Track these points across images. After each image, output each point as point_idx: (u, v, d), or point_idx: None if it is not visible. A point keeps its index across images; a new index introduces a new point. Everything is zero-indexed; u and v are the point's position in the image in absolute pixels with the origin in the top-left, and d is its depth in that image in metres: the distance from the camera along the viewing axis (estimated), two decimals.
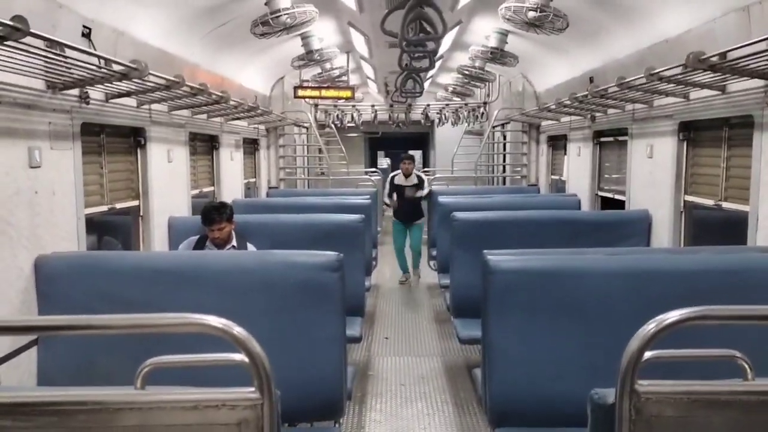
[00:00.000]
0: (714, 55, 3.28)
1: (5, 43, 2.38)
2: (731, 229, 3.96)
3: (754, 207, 3.59)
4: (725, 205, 4.09)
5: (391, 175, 8.14)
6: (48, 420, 1.27)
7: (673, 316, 1.36)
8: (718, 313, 1.39)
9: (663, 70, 3.81)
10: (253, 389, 1.31)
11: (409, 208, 7.93)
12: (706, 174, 4.41)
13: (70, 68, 3.03)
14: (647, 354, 1.36)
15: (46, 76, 3.10)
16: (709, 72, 3.48)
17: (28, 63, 2.74)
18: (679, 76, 3.76)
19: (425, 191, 7.87)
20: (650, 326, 1.36)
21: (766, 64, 3.15)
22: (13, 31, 2.29)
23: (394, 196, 7.94)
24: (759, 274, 2.81)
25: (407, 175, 7.90)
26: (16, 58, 2.62)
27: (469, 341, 4.25)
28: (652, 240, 4.96)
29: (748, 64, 3.20)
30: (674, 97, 4.45)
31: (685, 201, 4.64)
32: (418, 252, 8.28)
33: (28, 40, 2.48)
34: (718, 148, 4.21)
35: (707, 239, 4.45)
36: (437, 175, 11.44)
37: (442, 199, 6.29)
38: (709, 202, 4.30)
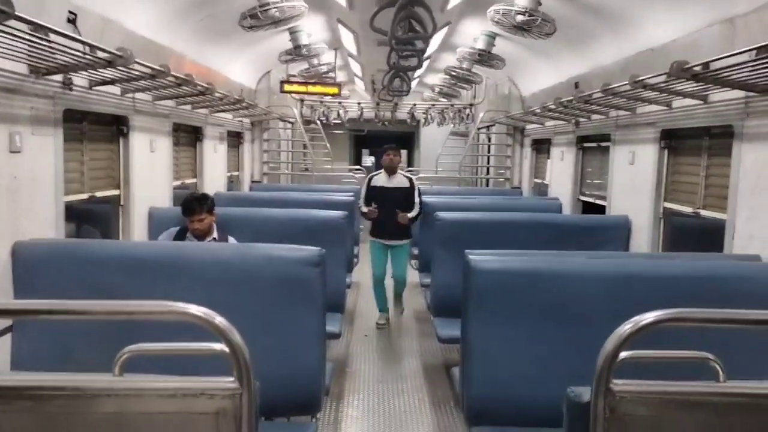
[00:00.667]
0: (697, 65, 3.33)
1: None
2: (708, 236, 4.03)
3: (731, 215, 3.65)
4: (703, 212, 4.16)
5: (370, 175, 6.10)
6: (24, 404, 1.26)
7: (648, 317, 1.39)
8: (691, 316, 1.42)
9: (647, 78, 3.86)
10: (232, 379, 1.31)
11: (391, 223, 5.73)
12: (686, 182, 4.48)
13: (54, 53, 2.99)
14: (623, 354, 1.38)
15: (29, 60, 3.06)
16: (691, 81, 3.54)
17: (12, 46, 2.71)
18: (663, 85, 3.81)
19: (416, 210, 5.76)
20: (626, 327, 1.39)
21: (747, 76, 3.21)
22: None
23: (373, 204, 5.79)
24: (734, 281, 2.87)
25: (391, 173, 5.88)
26: None
27: (448, 340, 4.27)
28: (631, 245, 5.03)
29: (730, 75, 3.26)
30: (657, 105, 4.51)
31: (664, 208, 4.71)
32: (403, 281, 6.24)
33: (12, 23, 2.44)
34: (698, 156, 4.28)
35: (685, 246, 4.51)
36: (421, 175, 11.46)
37: (425, 198, 6.31)
38: (688, 210, 4.37)
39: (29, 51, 2.90)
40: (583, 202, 6.69)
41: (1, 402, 1.29)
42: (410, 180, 5.95)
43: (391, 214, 5.68)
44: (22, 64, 3.08)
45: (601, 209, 5.89)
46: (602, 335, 1.51)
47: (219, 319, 1.29)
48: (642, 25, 4.53)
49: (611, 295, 2.79)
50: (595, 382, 1.38)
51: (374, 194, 5.85)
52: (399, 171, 5.96)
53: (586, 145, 6.63)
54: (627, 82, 4.03)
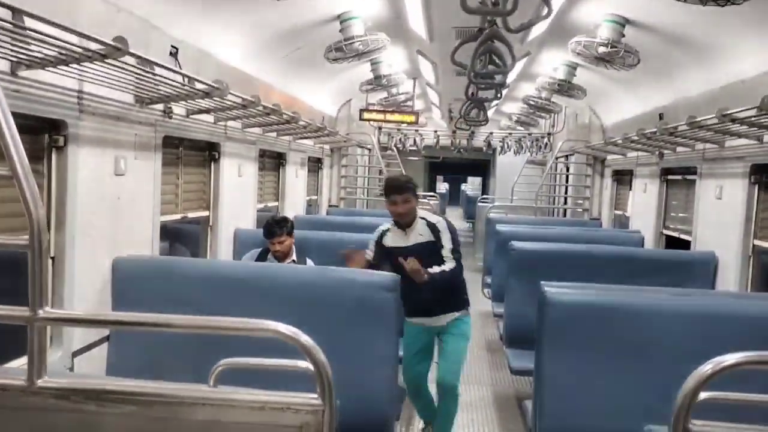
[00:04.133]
0: None
1: (105, 60, 2.59)
2: None
3: None
4: None
5: (379, 230, 3.90)
6: (129, 408, 1.39)
7: (731, 358, 1.37)
8: None
9: (736, 112, 3.74)
10: (315, 395, 1.39)
11: (427, 294, 3.64)
12: None
13: (158, 85, 3.25)
14: (703, 395, 1.36)
15: (136, 90, 3.33)
16: None
17: (121, 78, 2.97)
18: (753, 119, 3.68)
19: (449, 263, 3.64)
20: (707, 366, 1.37)
21: None
22: (114, 50, 2.50)
23: (368, 251, 3.88)
24: None
25: (405, 226, 3.76)
26: (112, 74, 2.84)
27: (520, 372, 4.23)
28: (717, 283, 4.81)
29: None
30: (747, 139, 4.35)
31: (754, 245, 4.50)
32: (453, 390, 3.77)
33: (123, 57, 2.69)
34: None
35: None
36: (497, 203, 11.39)
37: (500, 227, 6.28)
38: None
39: (136, 82, 3.16)
40: (667, 236, 6.45)
41: (106, 404, 1.42)
42: (435, 226, 3.69)
43: (413, 285, 3.49)
44: (129, 94, 3.36)
45: (685, 245, 5.67)
46: (681, 374, 1.48)
47: (305, 338, 1.38)
48: (731, 56, 4.40)
49: (693, 334, 2.71)
50: (673, 421, 1.37)
51: (385, 256, 3.77)
52: (420, 217, 3.74)
53: (670, 177, 6.42)
54: (714, 115, 3.92)
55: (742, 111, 3.68)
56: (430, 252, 3.64)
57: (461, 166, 17.79)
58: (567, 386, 2.73)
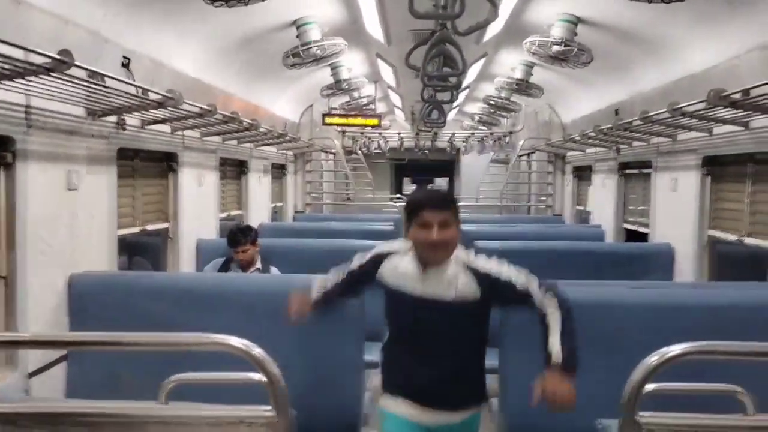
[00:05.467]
0: (736, 92, 3.31)
1: (52, 74, 2.53)
2: (755, 264, 3.93)
3: None
4: (748, 240, 4.07)
5: (382, 249, 2.42)
6: (79, 430, 1.36)
7: (675, 349, 1.40)
8: (720, 348, 1.43)
9: (686, 106, 3.84)
10: (269, 408, 1.38)
11: (440, 366, 2.28)
12: (730, 209, 4.39)
13: (109, 97, 3.19)
14: (649, 386, 1.39)
15: (87, 103, 3.26)
16: (731, 108, 3.51)
17: (71, 92, 2.90)
18: (702, 112, 3.79)
19: (550, 310, 2.17)
20: (653, 358, 1.40)
21: None
22: (60, 64, 2.45)
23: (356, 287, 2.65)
24: None
25: (434, 264, 2.24)
26: (60, 88, 2.78)
27: (486, 371, 4.24)
28: (676, 273, 4.93)
29: None
30: (698, 132, 4.46)
31: (708, 235, 4.62)
32: None
33: (71, 70, 2.63)
34: (742, 183, 4.21)
35: (731, 274, 4.41)
36: (462, 203, 11.45)
37: (464, 227, 6.30)
38: (732, 237, 4.27)
39: (87, 95, 3.10)
40: (627, 229, 6.59)
41: (57, 428, 1.39)
42: (488, 276, 2.24)
43: (432, 348, 2.29)
44: (80, 107, 3.29)
45: (645, 237, 5.80)
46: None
47: (257, 350, 1.37)
48: (681, 52, 4.51)
49: (653, 326, 2.77)
50: (622, 414, 1.40)
51: (393, 304, 2.36)
52: (458, 253, 2.29)
53: (627, 171, 6.56)
54: (666, 110, 4.02)
55: (691, 104, 3.78)
56: (470, 312, 2.25)
57: (427, 168, 17.87)
58: (530, 384, 2.76)
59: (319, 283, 2.58)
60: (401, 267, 2.29)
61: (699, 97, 3.64)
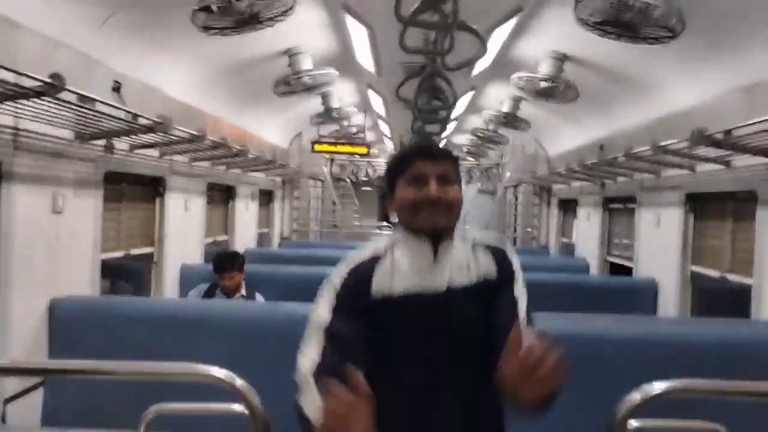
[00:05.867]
0: (718, 132, 3.38)
1: (42, 97, 2.54)
2: (736, 300, 3.97)
3: (757, 280, 3.61)
4: (730, 277, 4.12)
5: (355, 260, 1.59)
6: None
7: (658, 386, 1.41)
8: (703, 387, 1.44)
9: (669, 144, 3.91)
10: None
11: (448, 417, 1.47)
12: (712, 246, 4.45)
13: (99, 120, 3.19)
14: (633, 422, 1.40)
15: (75, 127, 3.26)
16: (713, 147, 3.58)
17: (61, 115, 2.90)
18: (685, 150, 3.86)
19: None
20: (636, 395, 1.41)
21: (767, 143, 3.24)
22: (50, 88, 2.46)
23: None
24: (759, 348, 2.83)
25: (439, 237, 1.55)
26: (50, 111, 2.78)
27: None
28: (659, 308, 4.96)
29: (751, 142, 3.30)
30: (681, 169, 4.54)
31: (691, 271, 4.67)
32: None
33: (62, 93, 2.64)
34: (724, 220, 4.27)
35: (713, 310, 4.44)
36: None
37: None
38: (715, 274, 4.32)
39: (76, 118, 3.10)
40: (611, 263, 6.64)
41: None
42: (504, 254, 1.65)
43: (466, 371, 1.51)
44: (69, 130, 3.28)
45: (629, 270, 5.84)
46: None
47: (240, 382, 1.36)
48: (664, 91, 4.61)
49: (637, 360, 2.78)
50: None
51: (401, 322, 1.50)
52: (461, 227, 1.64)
53: (612, 206, 6.63)
54: (649, 147, 4.09)
55: (674, 143, 3.85)
56: (487, 304, 1.56)
57: None
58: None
59: (306, 372, 1.46)
60: (402, 265, 1.53)
61: (682, 136, 3.71)
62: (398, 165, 1.59)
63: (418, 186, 1.52)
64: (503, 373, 1.19)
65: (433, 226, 1.52)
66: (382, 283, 1.51)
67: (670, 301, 4.81)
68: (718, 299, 4.47)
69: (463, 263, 1.56)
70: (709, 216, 4.55)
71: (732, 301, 4.14)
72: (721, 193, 4.26)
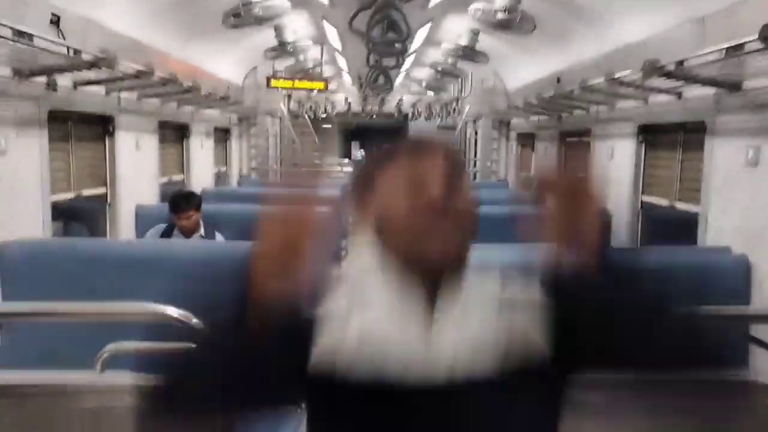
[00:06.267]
0: (670, 63, 3.41)
1: None
2: (685, 228, 4.12)
3: (703, 208, 3.75)
4: (678, 205, 4.26)
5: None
6: (6, 402, 1.33)
7: None
8: None
9: (622, 76, 3.94)
10: None
11: None
12: (662, 175, 4.58)
13: (37, 56, 3.03)
14: None
15: (12, 63, 3.09)
16: (665, 78, 3.62)
17: None
18: (637, 82, 3.89)
19: None
20: None
21: (717, 73, 3.30)
22: None
23: None
24: (705, 273, 2.97)
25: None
26: None
27: None
28: (612, 238, 5.12)
29: (701, 73, 3.34)
30: (634, 101, 4.60)
31: (642, 201, 4.81)
32: None
33: None
34: (674, 150, 4.38)
35: (663, 238, 4.62)
36: None
37: None
38: (664, 203, 4.46)
39: (11, 54, 2.94)
40: None
41: None
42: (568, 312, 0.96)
43: None
44: (5, 66, 3.11)
45: None
46: None
47: (195, 321, 1.36)
48: (618, 23, 4.60)
49: None
50: None
51: (321, 415, 0.94)
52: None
53: (569, 140, 6.72)
54: (604, 79, 4.12)
55: (627, 75, 3.88)
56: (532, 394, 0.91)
57: (375, 132, 17.86)
58: None
59: None
60: (371, 323, 0.89)
61: (636, 67, 3.73)
62: (381, 161, 0.98)
63: (412, 187, 0.92)
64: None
65: (437, 254, 0.90)
66: (330, 352, 0.88)
67: (623, 232, 4.97)
68: (668, 228, 4.64)
69: (482, 328, 0.91)
70: (660, 147, 4.66)
71: (681, 229, 4.30)
72: (672, 124, 4.35)
